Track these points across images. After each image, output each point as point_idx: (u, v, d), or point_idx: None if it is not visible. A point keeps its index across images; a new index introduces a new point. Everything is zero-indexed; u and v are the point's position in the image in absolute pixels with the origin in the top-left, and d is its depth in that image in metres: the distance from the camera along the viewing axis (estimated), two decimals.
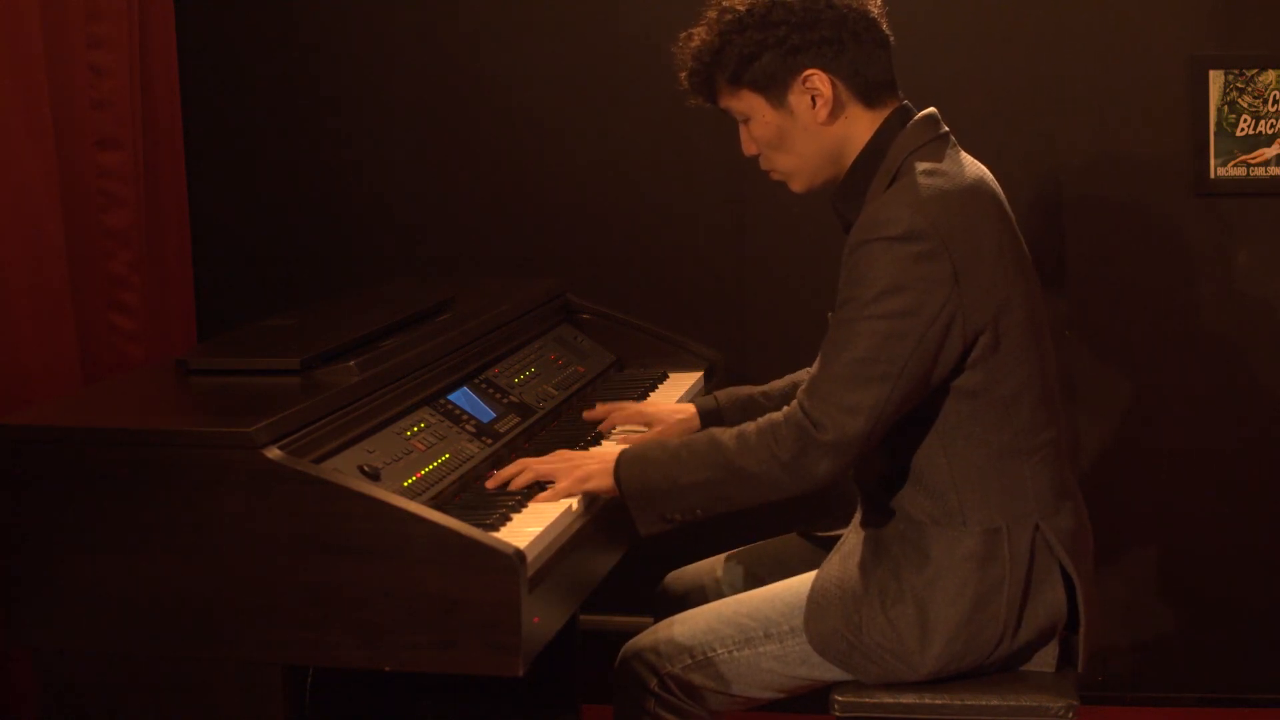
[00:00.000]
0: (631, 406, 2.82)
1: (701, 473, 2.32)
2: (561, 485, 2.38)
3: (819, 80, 2.35)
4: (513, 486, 2.40)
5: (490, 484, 2.41)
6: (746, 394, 2.78)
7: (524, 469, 2.42)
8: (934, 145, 2.35)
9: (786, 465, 2.26)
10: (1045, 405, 2.37)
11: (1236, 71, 3.37)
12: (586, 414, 2.82)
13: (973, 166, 2.37)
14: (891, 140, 2.36)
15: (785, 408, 2.32)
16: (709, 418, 2.74)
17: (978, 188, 2.34)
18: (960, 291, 2.24)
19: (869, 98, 2.37)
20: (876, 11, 2.39)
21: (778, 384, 2.79)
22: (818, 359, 2.32)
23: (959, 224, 2.26)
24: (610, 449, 2.46)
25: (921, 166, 2.31)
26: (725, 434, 2.34)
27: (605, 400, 2.92)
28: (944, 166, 2.32)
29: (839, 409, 2.23)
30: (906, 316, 2.23)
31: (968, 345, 2.28)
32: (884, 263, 2.23)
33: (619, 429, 2.77)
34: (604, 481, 2.38)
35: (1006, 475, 2.34)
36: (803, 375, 2.75)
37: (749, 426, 2.33)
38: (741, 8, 2.36)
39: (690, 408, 2.77)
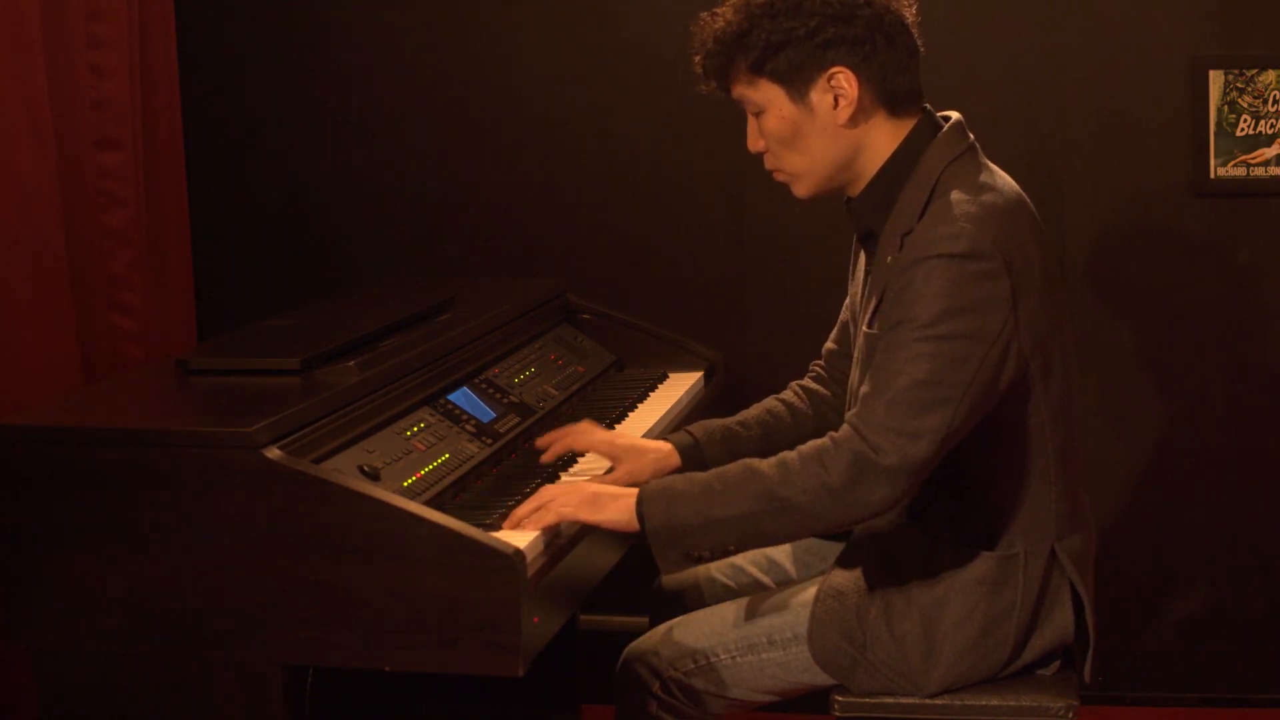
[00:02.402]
0: (598, 434, 2.57)
1: (738, 505, 2.19)
2: (571, 510, 2.24)
3: (845, 79, 2.25)
4: (521, 516, 2.25)
5: (509, 525, 2.25)
6: (722, 426, 2.60)
7: (543, 505, 2.25)
8: (969, 156, 2.28)
9: (837, 493, 2.15)
10: (1072, 428, 2.33)
11: (1236, 71, 3.37)
12: (540, 443, 2.57)
13: (1010, 181, 2.31)
14: (924, 149, 2.28)
15: (832, 433, 2.20)
16: (688, 453, 2.53)
17: (1022, 203, 2.29)
18: (1016, 314, 2.18)
19: (893, 106, 2.29)
20: (911, 19, 2.31)
21: (750, 413, 2.63)
22: (866, 380, 2.22)
23: (1015, 243, 2.19)
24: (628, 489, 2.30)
25: (967, 179, 2.23)
26: (762, 462, 2.22)
27: (604, 396, 2.91)
28: (989, 180, 2.25)
29: (900, 434, 2.13)
30: (968, 338, 2.14)
31: (1020, 369, 2.21)
32: (944, 281, 2.14)
33: (584, 462, 2.56)
34: (622, 516, 2.24)
35: (1034, 500, 2.30)
36: (774, 406, 2.65)
37: (789, 454, 2.21)
38: None
39: (666, 445, 2.53)
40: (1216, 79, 3.37)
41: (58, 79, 3.04)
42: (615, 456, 2.53)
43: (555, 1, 3.59)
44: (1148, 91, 3.42)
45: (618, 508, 2.25)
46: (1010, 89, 3.46)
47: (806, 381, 2.70)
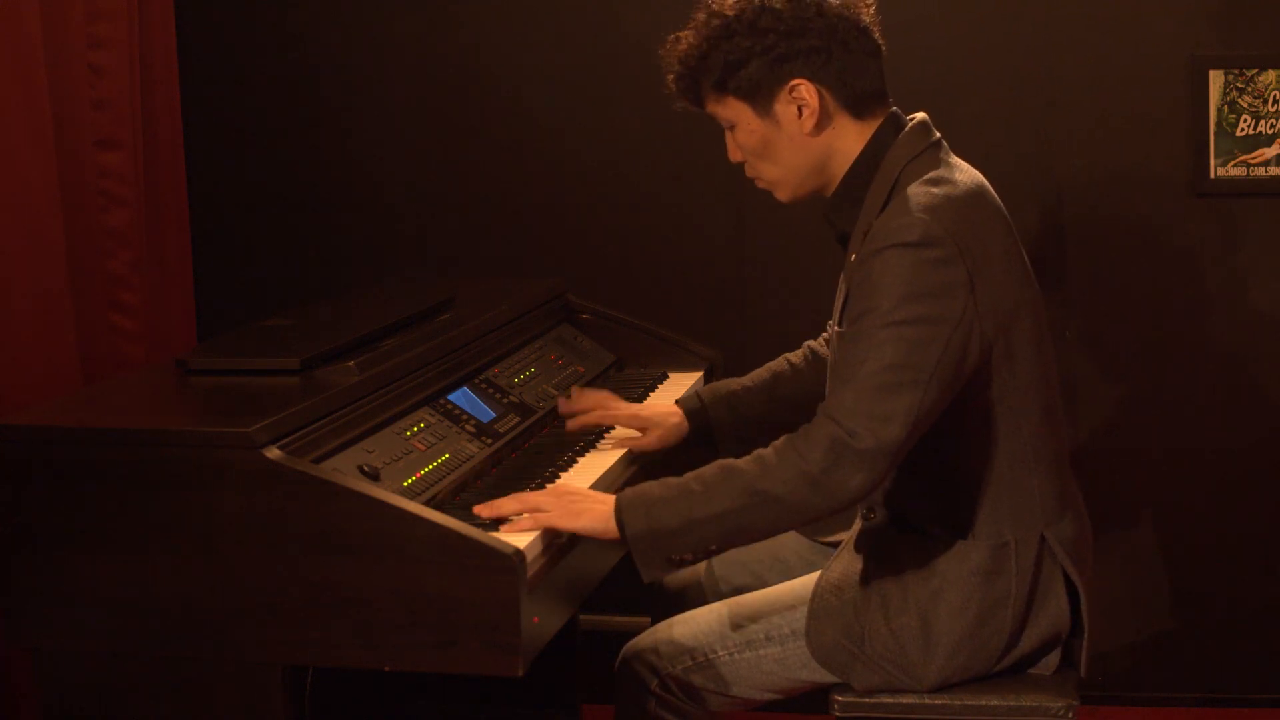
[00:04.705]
0: (624, 408, 2.71)
1: (718, 504, 2.20)
2: (547, 516, 2.23)
3: (806, 90, 2.30)
4: (503, 512, 2.25)
5: (484, 512, 2.24)
6: (728, 389, 2.72)
7: (517, 499, 2.27)
8: (929, 153, 2.32)
9: (816, 480, 2.17)
10: (1050, 414, 2.36)
11: (1236, 71, 3.37)
12: (563, 408, 2.71)
13: (970, 173, 2.35)
14: (886, 150, 2.33)
15: (805, 425, 2.23)
16: (695, 416, 2.69)
17: (982, 194, 2.33)
18: (975, 298, 2.21)
19: (857, 108, 2.33)
20: (868, 19, 2.34)
21: (759, 375, 2.74)
22: (833, 375, 2.26)
23: (970, 230, 2.23)
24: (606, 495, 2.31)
25: (924, 174, 2.28)
26: (738, 461, 2.24)
27: None
28: (946, 174, 2.29)
29: (872, 417, 2.15)
30: (930, 323, 2.18)
31: (984, 353, 2.25)
32: (901, 269, 2.18)
33: (615, 432, 2.68)
34: (599, 524, 2.23)
35: (1015, 487, 2.32)
36: (779, 364, 2.75)
37: (764, 450, 2.23)
38: (729, 13, 2.32)
39: (678, 410, 2.71)
40: (1216, 79, 3.38)
41: (58, 79, 3.04)
42: (643, 426, 2.67)
43: (555, 1, 3.59)
44: (1147, 91, 3.42)
45: (594, 515, 2.25)
46: (1009, 89, 3.46)
47: (817, 343, 2.79)
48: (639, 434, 2.69)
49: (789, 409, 2.59)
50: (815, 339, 2.80)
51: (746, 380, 2.75)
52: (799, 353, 2.78)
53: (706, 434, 2.70)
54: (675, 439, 2.69)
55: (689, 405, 2.71)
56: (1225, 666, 3.57)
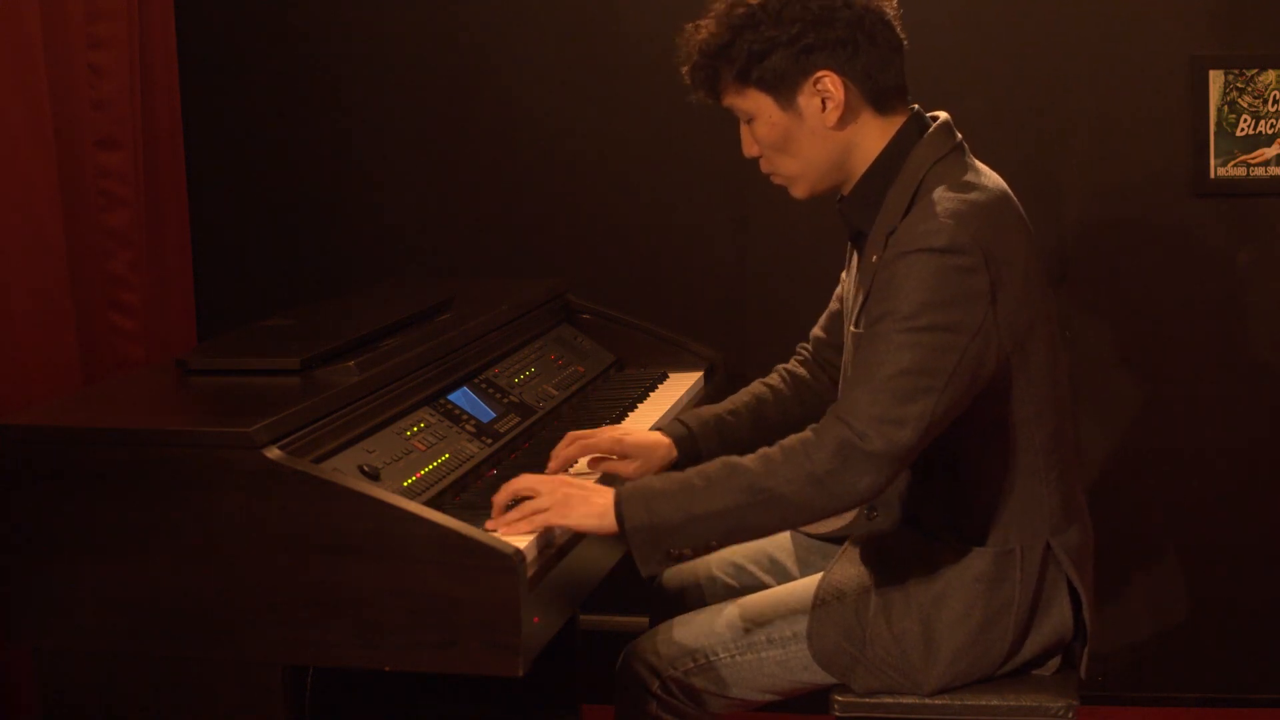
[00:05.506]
0: (604, 434, 2.54)
1: (721, 500, 2.19)
2: (544, 516, 2.21)
3: (831, 82, 2.27)
4: (513, 491, 2.25)
5: (498, 498, 2.25)
6: (713, 414, 2.62)
7: (518, 502, 2.24)
8: (954, 156, 2.30)
9: (822, 480, 2.16)
10: (1062, 423, 2.35)
11: (1236, 71, 3.37)
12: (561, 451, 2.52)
13: (994, 179, 2.33)
14: (909, 149, 2.30)
15: (813, 425, 2.22)
16: (684, 444, 2.56)
17: (1006, 202, 2.31)
18: (996, 309, 2.20)
19: (880, 104, 2.31)
20: (892, 14, 2.32)
21: (739, 399, 2.66)
22: (847, 373, 2.25)
23: (995, 239, 2.22)
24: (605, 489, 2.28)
25: (950, 178, 2.25)
26: (744, 458, 2.23)
27: (604, 396, 2.91)
28: (973, 179, 2.27)
29: (884, 421, 2.14)
30: (949, 330, 2.16)
31: (1001, 363, 2.23)
32: (925, 275, 2.17)
33: (591, 457, 2.52)
34: (595, 518, 2.21)
35: (1025, 495, 2.31)
36: (759, 389, 2.68)
37: (770, 449, 2.22)
38: (753, 1, 2.28)
39: (665, 439, 2.55)
40: (1216, 79, 3.38)
41: (58, 79, 3.04)
42: (625, 453, 2.52)
43: (555, 1, 3.59)
44: (1148, 91, 3.42)
45: (590, 509, 2.22)
46: (1010, 89, 3.46)
47: (791, 365, 2.73)
48: (619, 459, 2.54)
49: (775, 436, 2.50)
50: (788, 361, 2.74)
51: (729, 405, 2.65)
52: (774, 377, 2.71)
53: (695, 462, 2.53)
54: (657, 468, 2.52)
55: (676, 433, 2.57)
56: (1225, 666, 3.57)
